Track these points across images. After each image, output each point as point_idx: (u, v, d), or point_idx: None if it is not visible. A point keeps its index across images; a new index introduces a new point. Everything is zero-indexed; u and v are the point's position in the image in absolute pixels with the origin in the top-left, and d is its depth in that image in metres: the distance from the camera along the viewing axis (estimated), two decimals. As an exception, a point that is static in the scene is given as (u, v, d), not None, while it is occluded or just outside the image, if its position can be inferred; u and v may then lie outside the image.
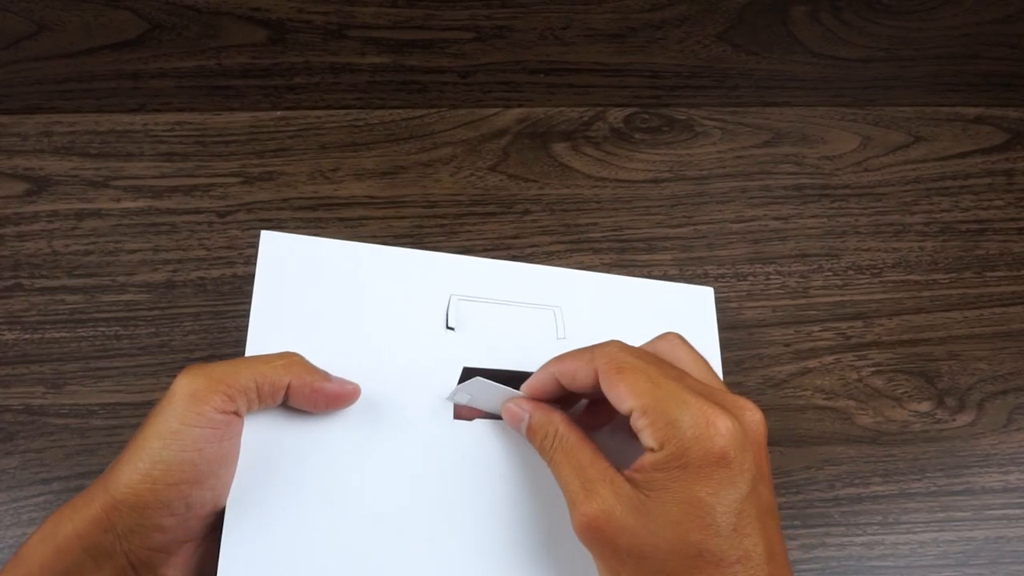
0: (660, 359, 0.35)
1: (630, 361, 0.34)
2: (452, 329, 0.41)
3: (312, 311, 0.39)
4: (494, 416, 0.39)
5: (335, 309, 0.39)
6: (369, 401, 0.38)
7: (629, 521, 0.32)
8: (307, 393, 0.36)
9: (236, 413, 0.34)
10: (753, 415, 0.33)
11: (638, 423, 0.33)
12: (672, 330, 0.38)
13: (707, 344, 0.45)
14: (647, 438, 0.32)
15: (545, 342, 0.42)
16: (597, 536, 0.32)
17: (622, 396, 0.33)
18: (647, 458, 0.32)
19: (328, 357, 0.37)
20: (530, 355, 0.39)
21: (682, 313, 0.45)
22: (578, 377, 0.35)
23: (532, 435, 0.37)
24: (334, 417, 0.37)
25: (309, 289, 0.39)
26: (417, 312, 0.41)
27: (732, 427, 0.32)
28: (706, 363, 0.36)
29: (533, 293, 0.43)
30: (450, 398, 0.38)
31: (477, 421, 0.39)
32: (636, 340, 0.38)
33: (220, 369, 0.34)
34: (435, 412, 0.39)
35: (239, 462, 0.35)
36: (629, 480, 0.33)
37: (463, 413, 0.39)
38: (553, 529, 0.38)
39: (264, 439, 0.35)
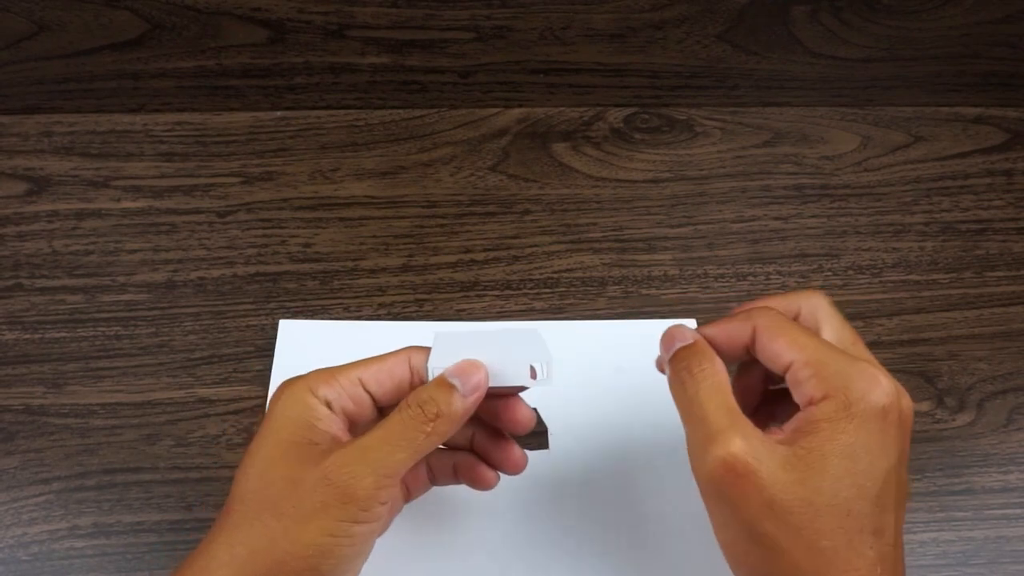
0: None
1: (789, 322, 0.33)
2: None
3: None
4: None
5: None
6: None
7: (779, 474, 0.30)
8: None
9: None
10: (907, 399, 0.32)
11: (800, 374, 0.32)
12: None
13: None
14: (812, 388, 0.31)
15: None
16: (736, 482, 0.30)
17: (781, 350, 0.32)
18: (805, 412, 0.31)
19: None
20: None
21: None
22: (733, 336, 0.34)
23: (678, 358, 0.34)
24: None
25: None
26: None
27: (894, 389, 0.31)
28: (853, 330, 0.35)
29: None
30: (430, 374, 0.35)
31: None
32: (644, 377, 0.38)
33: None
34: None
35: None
36: (778, 441, 0.31)
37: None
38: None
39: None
